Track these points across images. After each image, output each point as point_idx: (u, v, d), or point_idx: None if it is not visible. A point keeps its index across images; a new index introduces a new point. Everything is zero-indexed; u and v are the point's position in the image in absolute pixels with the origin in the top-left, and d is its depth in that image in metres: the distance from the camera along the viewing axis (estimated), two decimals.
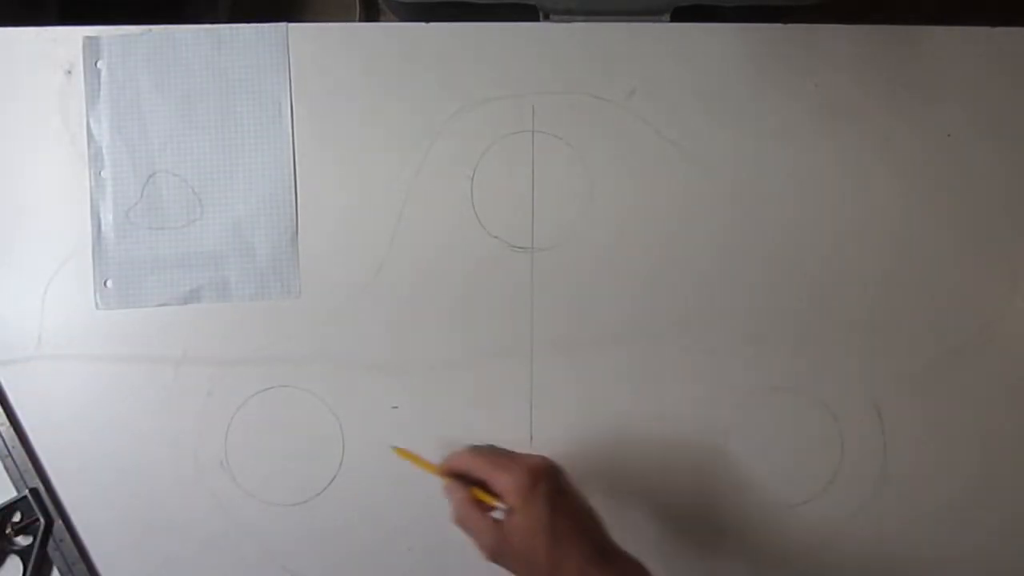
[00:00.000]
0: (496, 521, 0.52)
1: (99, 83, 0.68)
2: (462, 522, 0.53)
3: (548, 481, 0.51)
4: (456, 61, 0.68)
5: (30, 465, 0.66)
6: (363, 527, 0.67)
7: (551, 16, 0.72)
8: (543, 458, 0.54)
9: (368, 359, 0.67)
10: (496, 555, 0.52)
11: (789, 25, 0.68)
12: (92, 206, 0.68)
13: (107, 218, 0.68)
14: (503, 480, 0.52)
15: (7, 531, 0.65)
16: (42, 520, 0.65)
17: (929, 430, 0.68)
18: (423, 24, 0.69)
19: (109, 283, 0.67)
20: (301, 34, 0.68)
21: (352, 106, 0.68)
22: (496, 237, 0.68)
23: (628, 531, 0.67)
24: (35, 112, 0.68)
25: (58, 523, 0.66)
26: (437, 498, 0.67)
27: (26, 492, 0.66)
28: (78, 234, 0.67)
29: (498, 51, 0.68)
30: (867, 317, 0.68)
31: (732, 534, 0.68)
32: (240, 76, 0.68)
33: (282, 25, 0.68)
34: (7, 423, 0.66)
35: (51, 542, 0.66)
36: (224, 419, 0.67)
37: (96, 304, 0.67)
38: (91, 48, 0.68)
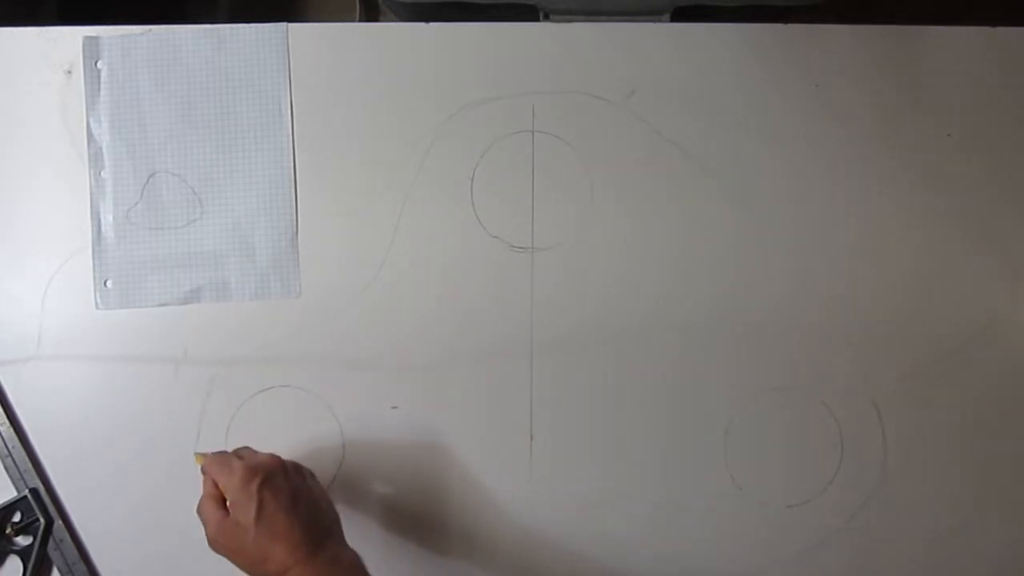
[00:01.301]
0: (224, 515, 0.55)
1: (99, 83, 0.68)
2: (198, 513, 0.57)
3: (261, 479, 0.55)
4: (456, 61, 0.68)
5: (30, 465, 0.66)
6: (363, 527, 0.67)
7: (551, 16, 0.72)
8: (269, 457, 0.58)
9: (368, 359, 0.67)
10: (214, 545, 0.56)
11: (789, 25, 0.68)
12: (92, 206, 0.68)
13: (107, 218, 0.68)
14: (223, 480, 0.56)
15: (7, 531, 0.65)
16: (42, 520, 0.65)
17: (929, 430, 0.68)
18: (423, 24, 0.69)
19: (109, 283, 0.67)
20: (301, 34, 0.68)
21: (352, 106, 0.68)
22: (496, 237, 0.68)
23: (626, 528, 0.68)
24: (35, 112, 0.68)
25: (58, 523, 0.66)
26: (437, 499, 0.67)
27: (26, 492, 0.66)
28: (78, 234, 0.67)
29: (498, 51, 0.68)
30: (867, 317, 0.68)
31: (732, 534, 0.68)
32: (240, 76, 0.68)
33: (282, 25, 0.68)
34: (7, 423, 0.66)
35: (51, 542, 0.66)
36: (224, 419, 0.67)
37: (96, 304, 0.67)
38: (91, 48, 0.68)
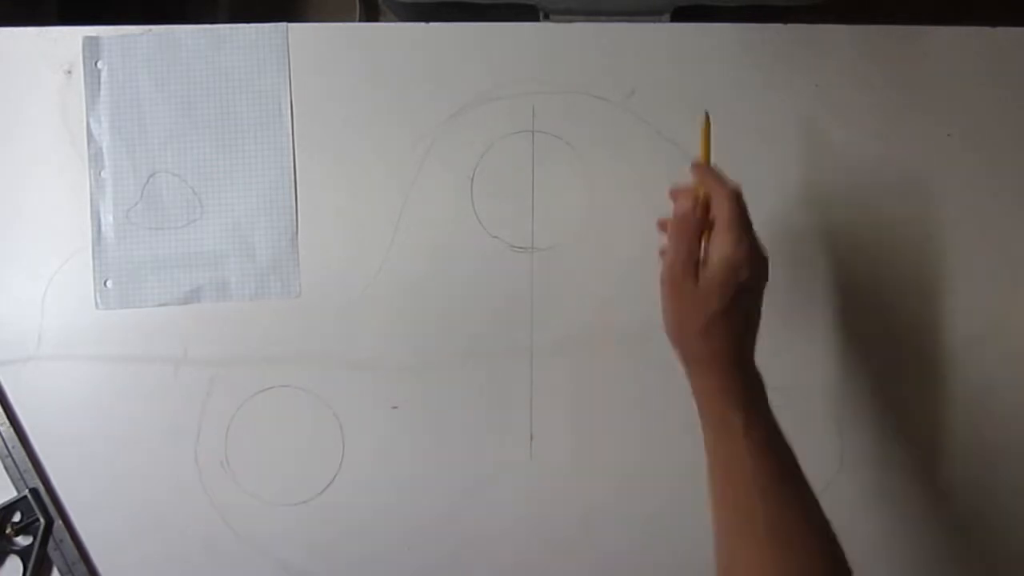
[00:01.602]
0: (699, 255, 0.50)
1: (99, 83, 0.68)
2: (677, 225, 0.51)
3: (756, 277, 0.50)
4: (456, 61, 0.68)
5: (30, 465, 0.66)
6: (363, 527, 0.67)
7: (551, 16, 0.72)
8: (765, 258, 0.52)
9: (368, 359, 0.67)
10: (672, 278, 0.50)
11: (789, 25, 0.68)
12: (92, 206, 0.68)
13: (107, 218, 0.68)
14: (730, 238, 0.49)
15: (7, 531, 0.65)
16: (42, 520, 0.65)
17: (929, 430, 0.68)
18: (423, 24, 0.69)
19: (109, 283, 0.67)
20: (301, 34, 0.68)
21: (352, 106, 0.68)
22: (496, 237, 0.68)
23: (627, 528, 0.68)
24: (35, 112, 0.68)
25: (58, 523, 0.66)
26: (437, 499, 0.67)
27: (26, 492, 0.66)
28: (78, 234, 0.67)
29: (498, 51, 0.68)
30: (867, 317, 0.68)
31: None
32: (240, 76, 0.68)
33: (282, 25, 0.68)
34: (7, 423, 0.66)
35: (51, 542, 0.66)
36: (224, 419, 0.67)
37: (96, 304, 0.67)
38: (91, 48, 0.68)
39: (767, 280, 0.52)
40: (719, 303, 0.49)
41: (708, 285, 0.49)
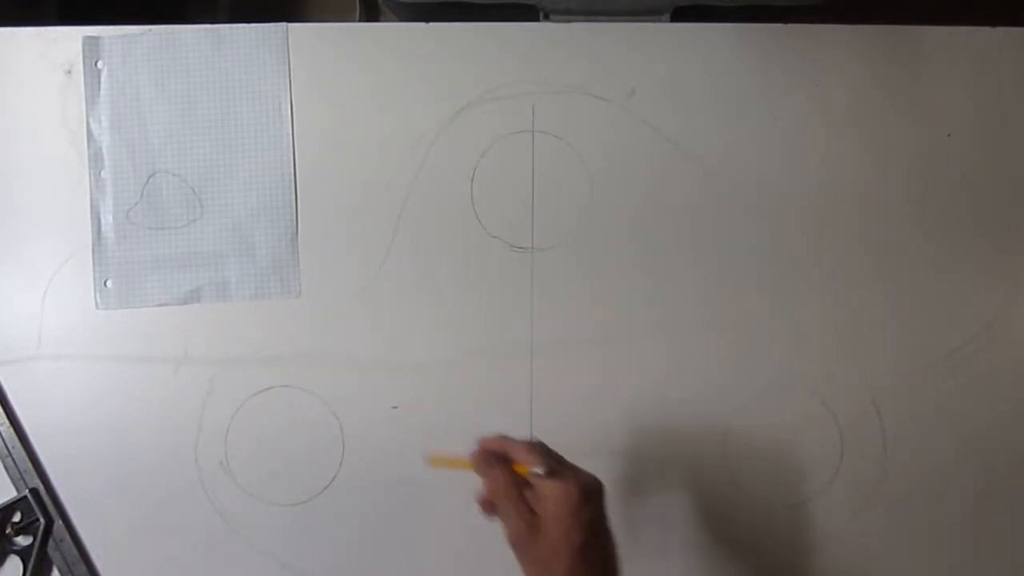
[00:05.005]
0: (532, 512, 0.50)
1: (99, 83, 0.68)
2: (499, 496, 0.51)
3: (594, 505, 0.51)
4: (456, 61, 0.68)
5: (30, 465, 0.66)
6: (363, 527, 0.67)
7: (551, 16, 0.72)
8: (596, 478, 0.52)
9: (368, 359, 0.67)
10: (519, 545, 0.50)
11: (789, 25, 0.69)
12: (92, 206, 0.68)
13: (107, 218, 0.68)
14: (553, 485, 0.50)
15: (7, 531, 0.65)
16: (42, 520, 0.65)
17: (929, 430, 0.68)
18: (423, 24, 0.69)
19: (109, 283, 0.67)
20: (301, 34, 0.68)
21: (352, 106, 0.68)
22: (496, 237, 0.68)
23: (628, 530, 0.68)
24: (35, 112, 0.68)
25: (58, 523, 0.66)
26: (436, 498, 0.67)
27: (26, 492, 0.66)
28: (78, 234, 0.67)
29: (498, 51, 0.68)
30: (867, 317, 0.68)
31: (732, 534, 0.68)
32: (240, 76, 0.68)
33: (282, 25, 0.68)
34: (7, 423, 0.66)
35: (51, 542, 0.66)
36: (224, 419, 0.67)
37: (96, 304, 0.67)
38: (91, 48, 0.68)
39: (605, 494, 0.52)
40: (569, 552, 0.49)
41: (554, 536, 0.49)
